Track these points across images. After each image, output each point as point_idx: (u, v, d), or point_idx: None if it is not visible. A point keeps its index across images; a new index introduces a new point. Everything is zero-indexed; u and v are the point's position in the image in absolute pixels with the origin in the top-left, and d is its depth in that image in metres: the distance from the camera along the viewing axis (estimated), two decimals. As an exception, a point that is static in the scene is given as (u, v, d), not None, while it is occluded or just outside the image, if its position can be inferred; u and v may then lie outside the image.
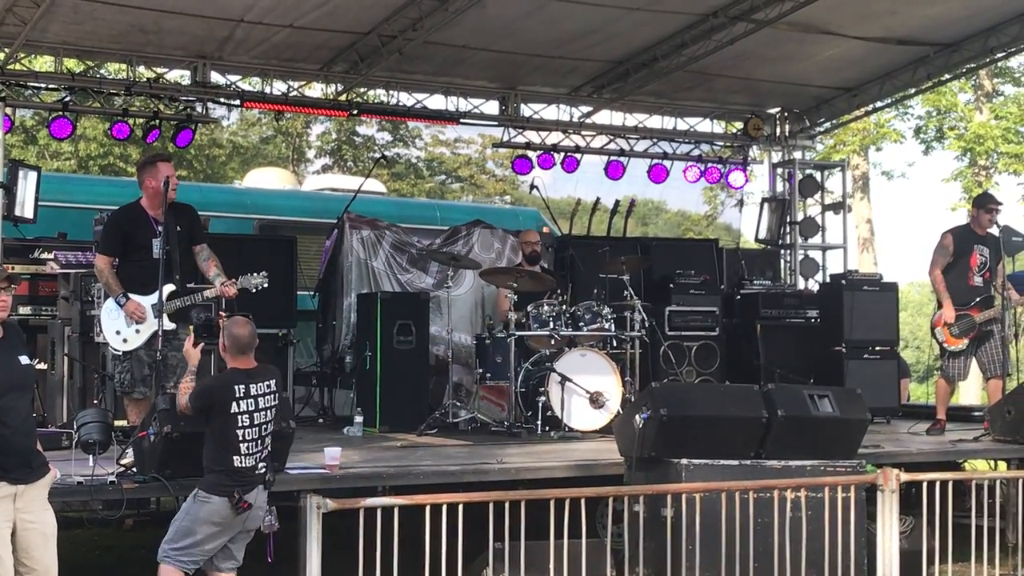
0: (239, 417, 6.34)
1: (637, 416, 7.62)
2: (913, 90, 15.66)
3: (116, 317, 8.15)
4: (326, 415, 11.86)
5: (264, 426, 6.44)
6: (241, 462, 6.33)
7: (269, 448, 6.52)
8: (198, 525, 6.31)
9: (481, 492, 6.69)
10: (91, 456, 6.83)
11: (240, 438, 6.32)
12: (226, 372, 6.60)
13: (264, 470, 6.43)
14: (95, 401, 9.49)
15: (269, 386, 6.51)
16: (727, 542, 7.07)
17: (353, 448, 8.86)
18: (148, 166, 8.41)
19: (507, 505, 6.44)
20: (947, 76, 15.23)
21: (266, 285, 8.25)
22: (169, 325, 7.99)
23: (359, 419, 10.37)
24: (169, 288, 8.02)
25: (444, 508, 6.23)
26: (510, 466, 8.08)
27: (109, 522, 8.99)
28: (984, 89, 27.79)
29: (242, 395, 6.39)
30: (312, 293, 12.53)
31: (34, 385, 6.48)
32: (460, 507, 6.29)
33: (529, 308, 10.70)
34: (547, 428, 10.19)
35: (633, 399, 9.23)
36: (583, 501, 6.69)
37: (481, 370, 10.92)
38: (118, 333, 8.14)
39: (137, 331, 8.11)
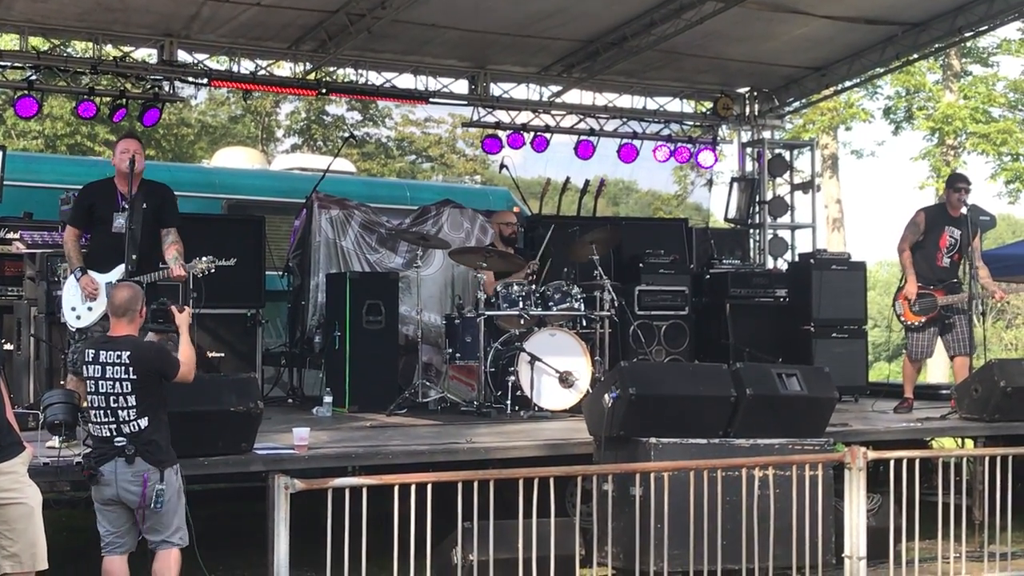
0: (87, 383, 6.32)
1: (606, 395, 7.65)
2: (881, 69, 15.69)
3: (74, 293, 8.07)
4: (295, 395, 11.83)
5: (112, 397, 6.24)
6: (92, 430, 6.30)
7: (134, 421, 6.24)
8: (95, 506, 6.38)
9: (450, 472, 6.70)
10: (57, 437, 6.79)
11: (90, 404, 6.29)
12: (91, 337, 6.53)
13: (124, 443, 6.22)
14: (62, 382, 9.42)
15: (119, 356, 6.30)
16: (696, 520, 7.10)
17: (322, 428, 8.85)
18: (116, 143, 8.42)
19: (476, 485, 6.44)
20: (915, 56, 15.26)
21: (213, 270, 8.12)
22: None
23: (328, 399, 10.36)
24: (121, 268, 7.93)
25: (413, 488, 6.22)
26: (479, 446, 8.10)
27: (77, 503, 8.96)
28: (953, 69, 27.90)
29: (90, 360, 6.31)
30: (281, 273, 12.48)
31: (1, 363, 6.42)
32: (429, 487, 6.29)
33: (498, 288, 10.70)
34: (517, 408, 10.21)
35: (602, 378, 9.24)
36: (552, 480, 6.70)
37: (451, 350, 10.91)
38: (73, 309, 8.04)
39: (90, 308, 8.00)
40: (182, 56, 12.57)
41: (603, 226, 12.20)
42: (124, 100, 12.46)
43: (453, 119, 32.60)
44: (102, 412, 6.25)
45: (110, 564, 6.30)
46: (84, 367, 6.34)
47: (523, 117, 14.54)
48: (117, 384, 6.27)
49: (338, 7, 11.81)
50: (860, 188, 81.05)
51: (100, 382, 6.27)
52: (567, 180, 14.22)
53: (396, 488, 6.24)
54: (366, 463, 7.56)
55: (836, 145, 29.20)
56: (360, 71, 13.46)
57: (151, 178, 8.58)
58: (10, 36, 12.80)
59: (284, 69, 13.53)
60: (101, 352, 6.32)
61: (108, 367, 6.28)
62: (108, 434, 6.25)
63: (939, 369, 23.41)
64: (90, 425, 6.31)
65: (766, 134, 15.55)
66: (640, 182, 40.06)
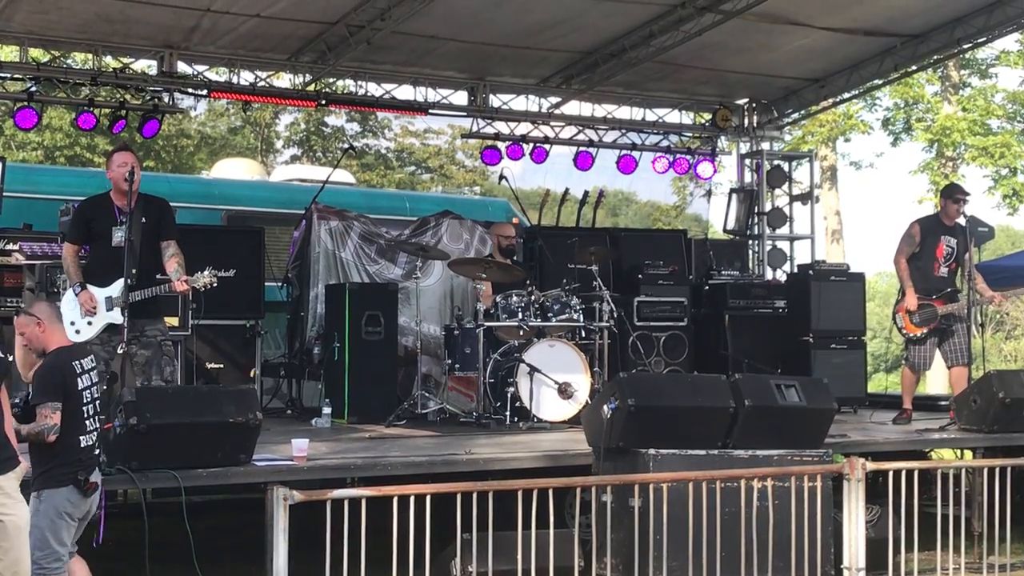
0: (83, 394, 6.13)
1: (605, 406, 7.64)
2: (880, 81, 15.73)
3: (74, 308, 8.07)
4: (294, 406, 11.81)
5: (98, 402, 6.25)
6: (87, 441, 6.10)
7: (100, 426, 6.31)
8: (55, 524, 6.00)
9: (449, 483, 6.68)
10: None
11: (85, 415, 6.11)
12: (56, 352, 6.18)
13: (98, 451, 6.25)
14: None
15: (92, 361, 6.33)
16: (695, 532, 7.09)
17: (321, 439, 8.83)
18: (108, 157, 8.43)
19: (475, 496, 6.43)
20: (914, 67, 15.31)
21: (215, 284, 8.10)
22: (117, 319, 7.90)
23: (327, 410, 10.33)
24: (120, 283, 7.93)
25: (412, 499, 6.21)
26: (478, 457, 8.08)
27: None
28: (951, 80, 27.93)
29: (80, 371, 6.15)
30: (280, 284, 12.48)
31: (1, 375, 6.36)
32: (428, 498, 6.28)
33: (498, 299, 10.71)
34: (516, 419, 10.19)
35: (601, 389, 9.24)
36: (551, 492, 6.70)
37: (450, 361, 10.90)
38: (72, 324, 8.03)
39: (89, 323, 8.00)
40: (182, 67, 12.60)
41: (602, 238, 12.19)
42: (124, 111, 12.49)
43: (452, 130, 32.63)
44: (91, 420, 6.17)
45: None
46: (77, 379, 6.10)
47: (522, 128, 14.56)
48: (96, 389, 6.27)
49: (338, 18, 11.83)
50: (859, 199, 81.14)
51: (93, 389, 6.23)
52: (566, 191, 14.24)
53: (395, 499, 6.23)
54: (365, 474, 7.54)
55: (835, 156, 29.24)
56: (359, 82, 13.49)
57: (151, 189, 8.60)
58: (10, 47, 12.82)
59: (284, 80, 13.55)
60: (82, 361, 6.23)
61: (91, 373, 6.25)
62: (93, 442, 6.18)
63: (938, 380, 23.37)
64: (81, 438, 6.06)
65: (765, 145, 15.57)
66: (639, 193, 40.10)
